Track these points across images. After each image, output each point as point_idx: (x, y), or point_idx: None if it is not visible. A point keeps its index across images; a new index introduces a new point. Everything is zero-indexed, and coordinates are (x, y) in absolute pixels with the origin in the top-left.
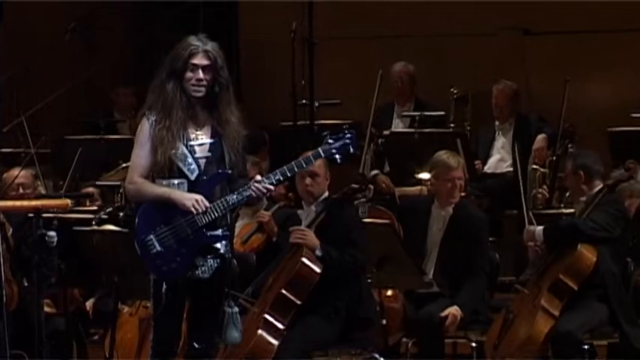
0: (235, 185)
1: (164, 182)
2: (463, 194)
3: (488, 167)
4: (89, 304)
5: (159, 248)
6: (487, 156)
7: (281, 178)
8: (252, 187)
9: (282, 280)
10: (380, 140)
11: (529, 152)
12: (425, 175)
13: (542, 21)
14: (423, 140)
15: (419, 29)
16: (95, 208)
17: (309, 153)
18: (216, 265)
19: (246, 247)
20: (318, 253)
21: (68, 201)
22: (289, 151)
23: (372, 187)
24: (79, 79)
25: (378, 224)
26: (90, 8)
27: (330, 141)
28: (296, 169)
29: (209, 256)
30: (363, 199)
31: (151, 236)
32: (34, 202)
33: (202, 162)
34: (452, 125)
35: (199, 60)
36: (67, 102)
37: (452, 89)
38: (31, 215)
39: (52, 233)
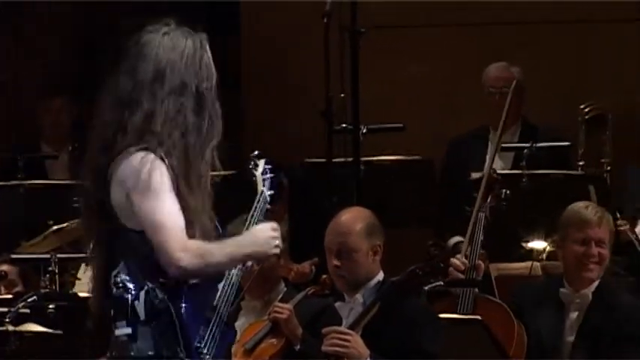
0: None
1: None
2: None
3: None
4: None
5: None
6: None
7: None
8: None
9: None
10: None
11: None
12: (539, 244)
13: None
14: (536, 187)
15: (527, 13)
16: (10, 296)
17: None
18: None
19: None
20: None
21: None
22: (319, 201)
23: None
24: None
25: (464, 321)
26: None
27: (268, 176)
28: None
29: None
30: (439, 282)
31: (202, 344)
32: None
33: None
34: (581, 164)
35: None
36: None
37: (582, 106)
38: None
39: None
